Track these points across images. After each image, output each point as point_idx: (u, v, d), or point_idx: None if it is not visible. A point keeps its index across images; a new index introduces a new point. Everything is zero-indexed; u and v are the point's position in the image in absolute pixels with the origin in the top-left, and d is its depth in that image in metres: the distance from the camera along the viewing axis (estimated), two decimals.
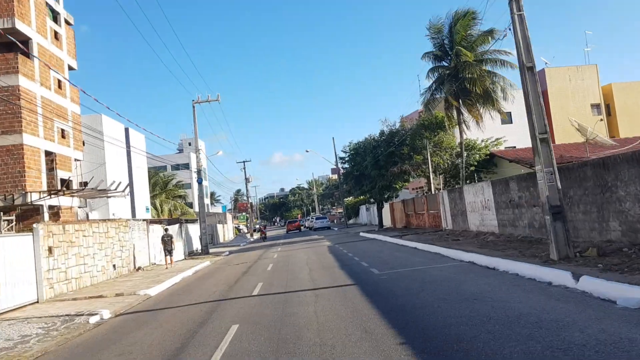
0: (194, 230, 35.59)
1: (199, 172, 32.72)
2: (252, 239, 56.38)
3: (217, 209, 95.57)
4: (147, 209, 44.09)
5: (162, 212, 56.15)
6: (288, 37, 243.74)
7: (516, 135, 39.41)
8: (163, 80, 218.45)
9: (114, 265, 21.24)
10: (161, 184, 59.93)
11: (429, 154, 29.95)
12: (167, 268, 24.24)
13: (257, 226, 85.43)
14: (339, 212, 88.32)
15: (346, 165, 38.00)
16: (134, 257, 24.38)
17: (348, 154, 36.74)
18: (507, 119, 31.20)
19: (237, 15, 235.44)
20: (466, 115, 30.94)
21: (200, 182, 32.84)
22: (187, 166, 78.08)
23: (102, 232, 20.49)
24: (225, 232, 64.04)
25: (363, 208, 57.47)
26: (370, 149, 34.16)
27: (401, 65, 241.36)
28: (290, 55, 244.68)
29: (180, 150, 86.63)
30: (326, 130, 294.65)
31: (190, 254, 32.43)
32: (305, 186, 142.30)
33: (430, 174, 30.14)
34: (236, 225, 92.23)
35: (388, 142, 33.59)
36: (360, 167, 34.76)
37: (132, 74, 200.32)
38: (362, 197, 64.72)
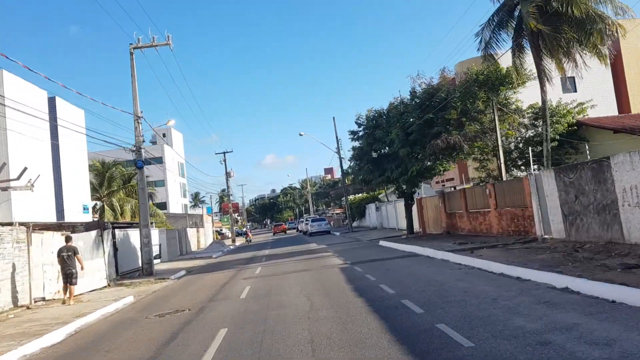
0: (139, 239, 24.17)
1: (138, 149, 21.41)
2: (231, 247, 45.05)
3: (203, 210, 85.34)
4: (86, 208, 32.65)
5: (122, 213, 45.31)
6: (290, 41, 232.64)
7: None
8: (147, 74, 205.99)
9: None
10: (120, 178, 48.42)
11: (496, 118, 18.80)
12: (65, 303, 14.31)
13: (245, 229, 74.90)
14: (337, 214, 76.53)
15: (357, 144, 26.25)
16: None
17: (364, 126, 25.01)
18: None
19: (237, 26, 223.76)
20: (546, 61, 20.10)
21: (140, 166, 21.56)
22: (159, 160, 66.87)
23: None
24: (201, 237, 52.46)
25: (372, 207, 45.69)
26: (397, 118, 22.89)
27: (402, 57, 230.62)
28: (292, 57, 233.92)
29: (154, 143, 75.03)
30: (325, 128, 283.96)
31: (124, 276, 21.11)
32: (298, 186, 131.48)
33: (500, 148, 19.01)
34: (218, 229, 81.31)
35: (423, 107, 22.34)
36: (382, 144, 23.30)
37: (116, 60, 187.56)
38: (367, 194, 53.41)
